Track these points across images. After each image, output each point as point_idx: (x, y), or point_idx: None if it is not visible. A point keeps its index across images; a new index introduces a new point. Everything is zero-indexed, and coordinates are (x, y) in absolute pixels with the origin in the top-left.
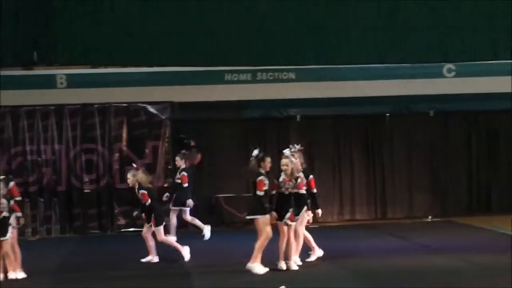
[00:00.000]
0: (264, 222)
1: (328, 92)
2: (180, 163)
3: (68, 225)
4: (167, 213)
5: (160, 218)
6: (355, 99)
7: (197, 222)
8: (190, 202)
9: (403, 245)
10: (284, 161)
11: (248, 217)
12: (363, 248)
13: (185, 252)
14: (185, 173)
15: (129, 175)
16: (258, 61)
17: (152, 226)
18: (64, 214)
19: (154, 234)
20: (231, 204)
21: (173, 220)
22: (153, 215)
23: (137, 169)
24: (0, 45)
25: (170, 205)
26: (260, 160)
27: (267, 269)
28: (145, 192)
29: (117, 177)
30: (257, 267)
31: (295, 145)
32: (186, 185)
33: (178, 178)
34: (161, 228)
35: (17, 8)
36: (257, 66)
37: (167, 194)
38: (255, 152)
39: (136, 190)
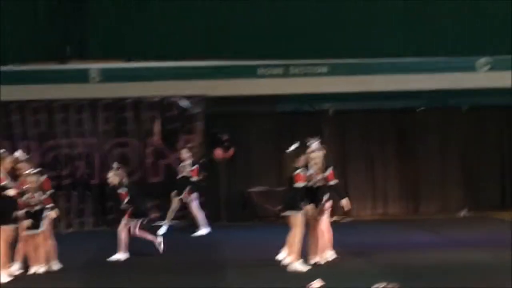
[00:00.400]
0: (297, 219)
1: (361, 86)
2: (185, 156)
3: (101, 218)
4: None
5: (136, 213)
6: (388, 93)
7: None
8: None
9: (436, 240)
10: (315, 154)
11: (282, 214)
12: (396, 243)
13: (118, 256)
14: (197, 166)
15: (110, 174)
16: (291, 55)
17: (125, 220)
18: (97, 208)
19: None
20: (264, 198)
21: (196, 212)
22: (130, 209)
23: (117, 168)
24: (34, 40)
25: (187, 199)
26: (296, 155)
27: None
28: (123, 191)
29: (150, 171)
30: (299, 265)
31: (311, 139)
32: (195, 178)
33: (190, 171)
34: (130, 222)
35: (50, 3)
36: (289, 60)
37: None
38: (293, 146)
39: (118, 188)
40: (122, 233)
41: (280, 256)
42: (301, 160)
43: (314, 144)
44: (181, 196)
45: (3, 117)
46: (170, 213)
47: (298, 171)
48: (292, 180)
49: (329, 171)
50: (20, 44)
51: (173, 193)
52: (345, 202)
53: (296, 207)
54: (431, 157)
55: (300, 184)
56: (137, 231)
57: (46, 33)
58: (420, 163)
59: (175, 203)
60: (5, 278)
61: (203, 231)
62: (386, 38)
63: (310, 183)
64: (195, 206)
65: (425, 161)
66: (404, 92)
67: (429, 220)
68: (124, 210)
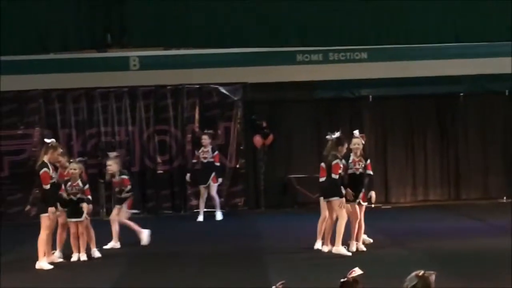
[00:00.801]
0: (340, 204)
1: (401, 72)
2: (207, 142)
3: (142, 205)
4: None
5: (134, 203)
6: (429, 78)
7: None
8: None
9: (477, 226)
10: (355, 140)
11: (325, 200)
12: (436, 229)
13: (144, 235)
14: (217, 153)
15: (110, 162)
16: (330, 41)
17: (125, 208)
18: (137, 195)
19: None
20: (304, 185)
21: (215, 196)
22: (131, 198)
23: (116, 157)
24: (75, 28)
25: (202, 185)
26: (338, 143)
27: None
28: (127, 177)
29: (189, 158)
30: (342, 250)
31: (336, 132)
32: (218, 164)
33: (212, 157)
34: (129, 212)
35: None
36: (328, 46)
37: (189, 174)
38: (336, 134)
39: (117, 176)
40: (124, 222)
41: (317, 246)
42: (342, 148)
43: (355, 132)
44: (207, 184)
45: (45, 105)
46: (201, 202)
47: (336, 160)
48: (330, 168)
49: (368, 162)
50: (61, 33)
51: (187, 176)
52: (373, 195)
53: (337, 193)
54: (472, 143)
55: (336, 175)
56: (126, 220)
57: (87, 21)
58: (461, 148)
59: (202, 191)
60: (47, 266)
61: (220, 215)
62: (427, 23)
63: (351, 170)
64: (214, 190)
65: (466, 147)
66: (444, 78)
67: (470, 206)
68: (124, 198)
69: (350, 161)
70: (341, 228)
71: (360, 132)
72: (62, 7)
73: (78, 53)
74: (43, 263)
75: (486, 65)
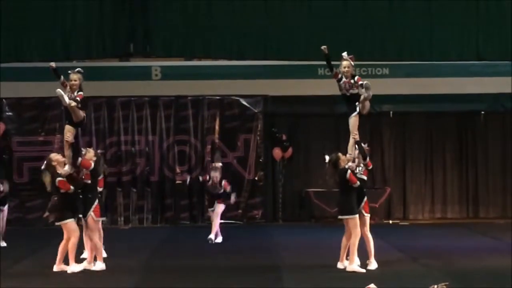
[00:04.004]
0: (353, 221)
1: (422, 88)
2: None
3: (160, 215)
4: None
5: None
6: (449, 96)
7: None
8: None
9: (495, 245)
10: (344, 63)
11: (340, 217)
12: (454, 247)
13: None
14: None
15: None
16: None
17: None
18: (156, 204)
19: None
20: (321, 199)
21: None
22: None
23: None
24: (98, 37)
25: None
26: (335, 162)
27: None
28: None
29: (208, 168)
30: (356, 267)
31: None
32: (222, 191)
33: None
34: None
35: (115, 1)
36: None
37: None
38: (327, 158)
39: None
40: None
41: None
42: (344, 160)
43: (343, 54)
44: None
45: (65, 112)
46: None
47: (348, 172)
48: (345, 182)
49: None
50: (84, 41)
51: (232, 196)
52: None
53: (351, 210)
54: (491, 161)
55: (355, 184)
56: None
57: (110, 30)
58: (480, 167)
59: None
60: (78, 268)
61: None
62: (449, 41)
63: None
64: (220, 214)
65: (486, 165)
66: (466, 95)
67: (489, 225)
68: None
69: (343, 86)
70: (354, 245)
71: (379, 145)
72: (86, 15)
73: (101, 61)
74: (74, 267)
75: (507, 83)
